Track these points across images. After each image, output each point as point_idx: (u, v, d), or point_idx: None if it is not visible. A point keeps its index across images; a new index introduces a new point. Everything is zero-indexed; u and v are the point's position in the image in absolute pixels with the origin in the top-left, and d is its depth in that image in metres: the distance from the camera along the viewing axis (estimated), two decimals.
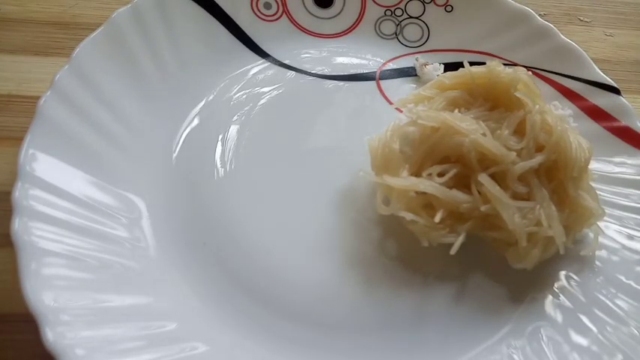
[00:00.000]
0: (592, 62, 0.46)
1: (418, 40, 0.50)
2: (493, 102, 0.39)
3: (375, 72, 0.48)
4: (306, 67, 0.48)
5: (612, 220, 0.40)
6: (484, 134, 0.36)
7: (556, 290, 0.38)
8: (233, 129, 0.43)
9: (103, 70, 0.40)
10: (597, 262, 0.39)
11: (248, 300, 0.36)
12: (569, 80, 0.46)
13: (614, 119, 0.44)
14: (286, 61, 0.48)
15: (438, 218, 0.35)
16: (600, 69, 0.46)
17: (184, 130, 0.42)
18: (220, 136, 0.42)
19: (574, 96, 0.46)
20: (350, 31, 0.50)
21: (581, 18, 0.58)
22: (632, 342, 0.35)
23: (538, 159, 0.36)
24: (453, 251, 0.35)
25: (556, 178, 0.37)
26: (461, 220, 0.36)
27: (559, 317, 0.36)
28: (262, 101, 0.45)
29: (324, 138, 0.44)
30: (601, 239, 0.39)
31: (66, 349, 0.28)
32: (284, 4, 0.49)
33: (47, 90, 0.36)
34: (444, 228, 0.36)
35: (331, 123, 0.45)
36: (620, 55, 0.55)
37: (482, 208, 0.35)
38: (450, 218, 0.36)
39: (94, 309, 0.31)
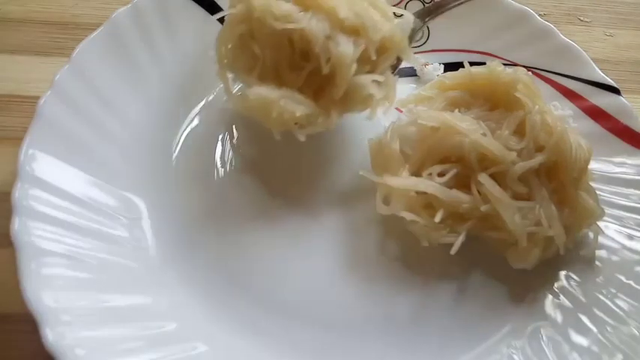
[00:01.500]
0: (592, 62, 0.46)
1: (418, 40, 0.50)
2: (493, 102, 0.39)
3: None
4: None
5: (612, 220, 0.40)
6: (484, 134, 0.36)
7: (556, 290, 0.38)
8: (233, 129, 0.43)
9: (103, 70, 0.40)
10: (597, 262, 0.38)
11: (248, 300, 0.36)
12: (569, 80, 0.46)
13: (614, 119, 0.44)
14: None
15: (438, 218, 0.35)
16: (600, 69, 0.46)
17: (184, 130, 0.42)
18: (220, 136, 0.42)
19: (574, 96, 0.46)
20: None
21: (581, 18, 0.58)
22: (632, 342, 0.35)
23: (538, 159, 0.36)
24: (453, 251, 0.35)
25: (556, 178, 0.37)
26: (461, 220, 0.36)
27: (559, 317, 0.36)
28: None
29: (324, 138, 0.44)
30: (601, 239, 0.39)
31: (66, 349, 0.29)
32: None
33: (47, 90, 0.37)
34: (444, 228, 0.36)
35: None
36: (620, 55, 0.55)
37: (483, 208, 0.35)
38: (450, 218, 0.36)
39: (94, 309, 0.31)
